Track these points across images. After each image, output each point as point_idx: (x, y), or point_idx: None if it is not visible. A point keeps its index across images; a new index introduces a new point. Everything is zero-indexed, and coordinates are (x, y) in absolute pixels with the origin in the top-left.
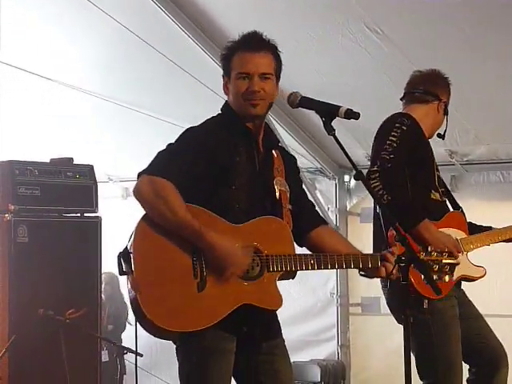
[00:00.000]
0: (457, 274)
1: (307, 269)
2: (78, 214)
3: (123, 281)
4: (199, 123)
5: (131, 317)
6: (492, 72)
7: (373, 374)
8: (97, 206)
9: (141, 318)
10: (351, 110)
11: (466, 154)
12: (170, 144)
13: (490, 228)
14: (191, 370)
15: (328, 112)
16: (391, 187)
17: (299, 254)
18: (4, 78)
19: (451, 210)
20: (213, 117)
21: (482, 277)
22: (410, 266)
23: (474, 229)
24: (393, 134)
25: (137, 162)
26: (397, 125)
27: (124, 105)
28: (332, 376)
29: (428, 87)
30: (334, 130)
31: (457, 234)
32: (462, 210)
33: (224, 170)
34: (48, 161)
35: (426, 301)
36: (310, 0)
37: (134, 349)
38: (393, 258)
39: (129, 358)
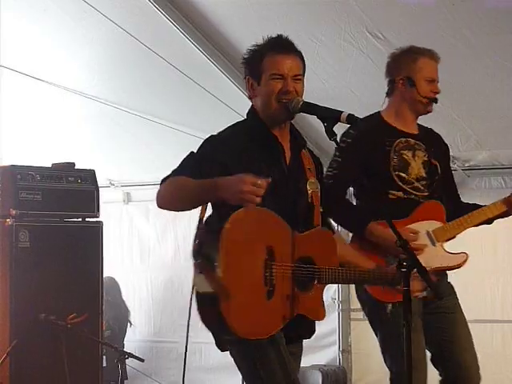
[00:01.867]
0: (427, 266)
1: (350, 283)
2: (80, 219)
3: (123, 286)
4: (223, 130)
5: (131, 318)
6: (494, 78)
7: (374, 380)
8: (98, 210)
9: (215, 321)
10: (353, 115)
11: (468, 159)
12: (191, 152)
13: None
14: (256, 364)
15: (330, 117)
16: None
17: (344, 268)
18: (6, 83)
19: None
20: (238, 123)
21: (462, 264)
22: (411, 271)
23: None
24: (339, 148)
25: (138, 167)
26: (343, 138)
27: (126, 110)
28: (333, 381)
29: (387, 77)
30: (336, 135)
31: (430, 225)
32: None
33: None
34: (50, 166)
35: (390, 305)
36: (311, 5)
37: (134, 353)
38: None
39: (129, 362)
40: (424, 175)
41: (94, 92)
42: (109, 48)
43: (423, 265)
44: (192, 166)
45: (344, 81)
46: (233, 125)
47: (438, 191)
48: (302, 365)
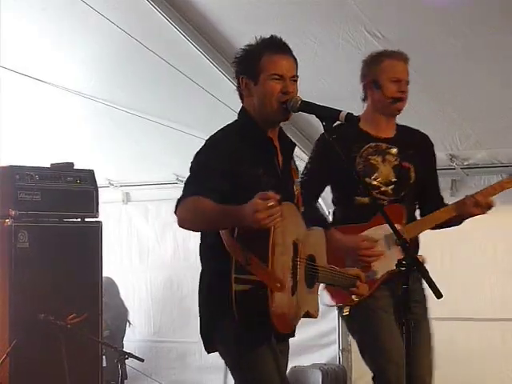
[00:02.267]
0: (383, 270)
1: (336, 284)
2: (79, 219)
3: (122, 286)
4: (216, 134)
5: (130, 318)
6: (494, 77)
7: None
8: (97, 210)
9: (260, 311)
10: (351, 113)
11: (467, 158)
12: (192, 164)
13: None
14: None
15: (329, 116)
16: None
17: (334, 268)
18: (4, 83)
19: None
20: (229, 125)
21: None
22: (411, 270)
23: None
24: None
25: (137, 166)
26: (313, 147)
27: (126, 109)
28: (333, 380)
29: (360, 82)
30: (335, 134)
31: (388, 228)
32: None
33: (248, 187)
34: (48, 166)
35: (347, 308)
36: (309, 4)
37: (134, 353)
38: (363, 275)
39: (129, 362)
40: (393, 179)
41: (92, 92)
42: (107, 47)
43: (381, 270)
44: (204, 183)
45: (342, 80)
46: (226, 128)
47: (410, 194)
48: (301, 364)
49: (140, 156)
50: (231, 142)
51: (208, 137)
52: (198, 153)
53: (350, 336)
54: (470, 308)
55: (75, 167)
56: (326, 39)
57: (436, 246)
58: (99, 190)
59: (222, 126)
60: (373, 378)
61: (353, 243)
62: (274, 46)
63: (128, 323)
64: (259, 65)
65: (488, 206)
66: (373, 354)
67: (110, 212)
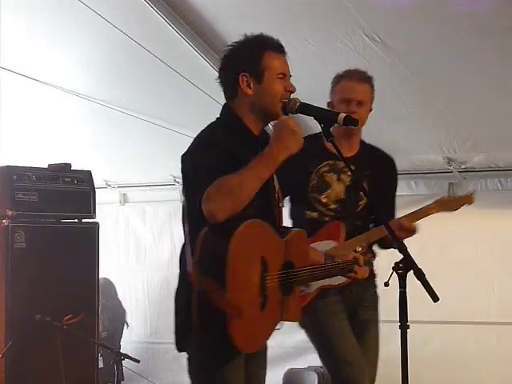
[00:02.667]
0: (315, 285)
1: (319, 279)
2: (76, 220)
3: (119, 287)
4: (202, 133)
5: (127, 319)
6: (491, 80)
7: None
8: (94, 211)
9: (220, 335)
10: (350, 116)
11: (464, 161)
12: (190, 168)
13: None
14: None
15: (327, 118)
16: None
17: (315, 267)
18: (2, 83)
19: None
20: (214, 124)
21: (342, 284)
22: (407, 272)
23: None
24: None
25: (135, 167)
26: None
27: (123, 110)
28: (329, 383)
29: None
30: (333, 136)
31: (326, 245)
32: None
33: None
34: (46, 166)
35: None
36: (308, 7)
37: (130, 355)
38: (361, 258)
39: (126, 363)
40: (344, 197)
41: (90, 92)
42: (104, 48)
43: (315, 285)
44: (209, 178)
45: None
46: (212, 125)
47: (362, 213)
48: (298, 366)
49: (137, 157)
50: (220, 139)
51: (196, 135)
52: (191, 154)
53: None
54: (466, 311)
55: (73, 168)
56: (324, 42)
57: (432, 249)
58: (96, 190)
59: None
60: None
61: None
62: (274, 45)
63: (126, 324)
64: (263, 62)
65: (411, 231)
66: (327, 357)
67: (107, 213)
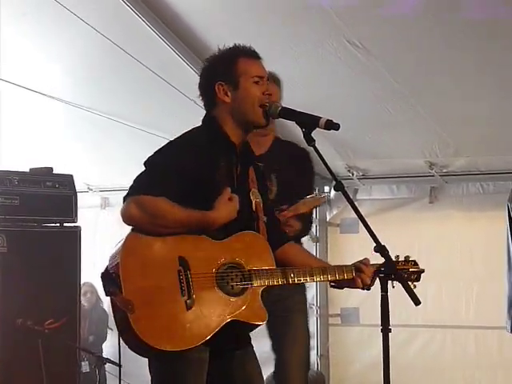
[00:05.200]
0: None
1: (288, 282)
2: (58, 224)
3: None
4: (179, 137)
5: (111, 323)
6: (472, 85)
7: None
8: (76, 215)
9: (131, 338)
10: (331, 121)
11: (446, 165)
12: (149, 161)
13: None
14: (168, 381)
15: (308, 123)
16: None
17: (280, 268)
18: None
19: None
20: (194, 129)
21: None
22: (389, 277)
23: None
24: None
25: (116, 171)
26: None
27: (104, 115)
28: None
29: None
30: (314, 140)
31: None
32: None
33: (204, 189)
34: (28, 170)
35: None
36: (289, 13)
37: (113, 359)
38: (368, 268)
39: (108, 368)
40: None
41: (72, 97)
42: (89, 54)
43: None
44: (163, 183)
45: (322, 88)
46: (190, 131)
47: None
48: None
49: (119, 161)
50: (193, 146)
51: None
52: (156, 152)
53: (329, 342)
54: (444, 316)
55: (54, 172)
56: (306, 48)
57: (413, 252)
58: (78, 194)
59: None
60: None
61: None
62: (247, 51)
63: (109, 329)
64: (237, 69)
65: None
66: None
67: (88, 217)
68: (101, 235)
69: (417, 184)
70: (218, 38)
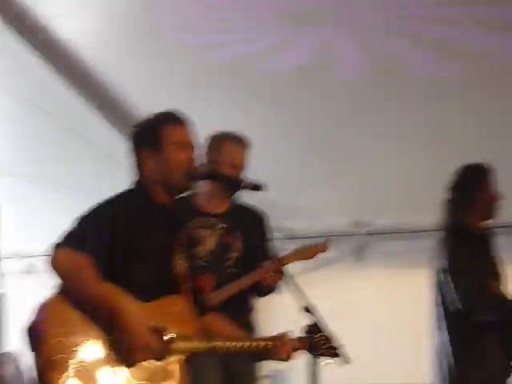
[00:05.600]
0: None
1: (211, 352)
2: None
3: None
4: (109, 197)
5: None
6: (394, 143)
7: None
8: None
9: None
10: (255, 183)
11: (369, 223)
12: (80, 217)
13: None
14: None
15: (234, 184)
16: None
17: (204, 337)
18: None
19: None
20: (124, 191)
21: None
22: (315, 335)
23: None
24: None
25: (41, 237)
26: None
27: (29, 179)
28: None
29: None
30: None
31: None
32: None
33: (133, 250)
34: None
35: None
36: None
37: None
38: (286, 342)
39: None
40: (216, 252)
41: None
42: (8, 118)
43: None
44: (92, 238)
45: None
46: (119, 194)
47: (234, 266)
48: None
49: (45, 226)
50: (122, 207)
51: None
52: (93, 208)
53: None
54: (373, 373)
55: None
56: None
57: (339, 312)
58: (3, 260)
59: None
60: None
61: None
62: (172, 118)
63: None
64: (161, 134)
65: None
66: None
67: (13, 283)
68: (27, 302)
69: (342, 242)
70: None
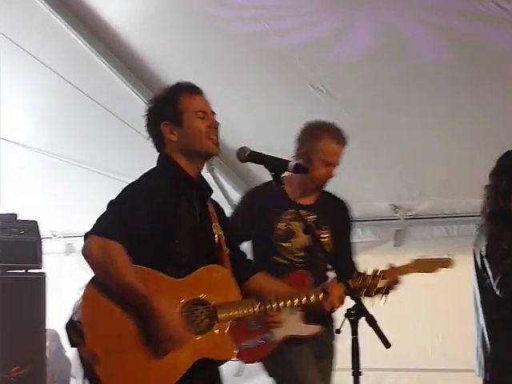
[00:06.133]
0: (282, 334)
1: (255, 313)
2: (23, 271)
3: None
4: (139, 178)
5: (74, 371)
6: (437, 128)
7: None
8: (41, 261)
9: None
10: (300, 164)
11: (410, 208)
12: (112, 202)
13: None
14: None
15: (277, 166)
16: None
17: (245, 300)
18: None
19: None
20: (151, 170)
21: (315, 335)
22: (359, 319)
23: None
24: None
25: (80, 218)
26: (241, 198)
27: (67, 160)
28: None
29: (296, 143)
30: (284, 184)
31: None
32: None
33: (168, 225)
34: None
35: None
36: (254, 57)
37: None
38: (335, 288)
39: None
40: (308, 245)
41: (36, 143)
42: (51, 99)
43: (279, 334)
44: (125, 224)
45: (285, 132)
46: (148, 172)
47: (323, 260)
48: None
49: (83, 206)
50: (152, 185)
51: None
52: (119, 194)
53: None
54: (411, 359)
55: (19, 218)
56: (270, 91)
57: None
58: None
59: None
60: None
61: None
62: (188, 88)
63: (72, 377)
64: (179, 106)
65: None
66: None
67: (52, 263)
68: (65, 282)
69: (381, 227)
70: (172, 72)
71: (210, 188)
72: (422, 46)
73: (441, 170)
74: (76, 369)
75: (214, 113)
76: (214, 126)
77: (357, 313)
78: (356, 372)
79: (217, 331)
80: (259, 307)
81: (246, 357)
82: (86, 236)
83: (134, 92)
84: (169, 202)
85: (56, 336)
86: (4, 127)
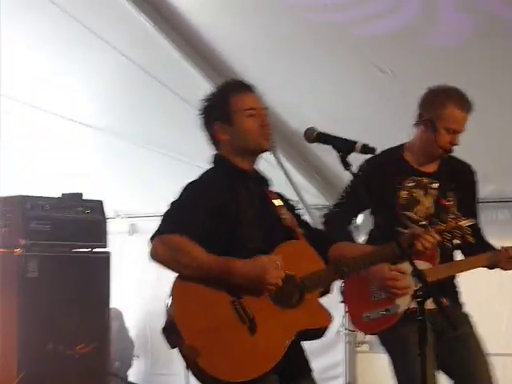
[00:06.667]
0: (405, 306)
1: (343, 278)
2: (88, 249)
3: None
4: (198, 177)
5: (136, 350)
6: (497, 114)
7: None
8: (106, 241)
9: (207, 380)
10: (367, 145)
11: None
12: (173, 202)
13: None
14: None
15: (344, 147)
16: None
17: (330, 266)
18: (16, 115)
19: None
20: (208, 170)
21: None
22: (426, 301)
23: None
24: (352, 179)
25: (143, 198)
26: (358, 169)
27: (131, 140)
28: None
29: (418, 109)
30: (351, 165)
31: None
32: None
33: (231, 219)
34: (58, 196)
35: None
36: (320, 37)
37: None
38: (425, 232)
39: None
40: (433, 213)
41: (101, 124)
42: (119, 80)
43: (403, 305)
44: (188, 220)
45: (350, 114)
46: (205, 172)
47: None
48: None
49: (147, 187)
50: (211, 182)
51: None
52: (182, 190)
53: (357, 369)
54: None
55: (84, 197)
56: (334, 73)
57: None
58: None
59: None
60: None
61: (379, 271)
62: (237, 86)
63: (135, 355)
64: (229, 106)
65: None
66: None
67: (116, 243)
68: (128, 262)
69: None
70: (245, 61)
71: (267, 178)
72: None
73: (505, 153)
74: (138, 349)
75: (265, 108)
76: (265, 124)
77: (424, 294)
78: (423, 355)
79: (308, 302)
80: (346, 271)
81: (367, 328)
82: (151, 239)
83: (198, 73)
84: (227, 198)
85: (119, 315)
86: (70, 107)
